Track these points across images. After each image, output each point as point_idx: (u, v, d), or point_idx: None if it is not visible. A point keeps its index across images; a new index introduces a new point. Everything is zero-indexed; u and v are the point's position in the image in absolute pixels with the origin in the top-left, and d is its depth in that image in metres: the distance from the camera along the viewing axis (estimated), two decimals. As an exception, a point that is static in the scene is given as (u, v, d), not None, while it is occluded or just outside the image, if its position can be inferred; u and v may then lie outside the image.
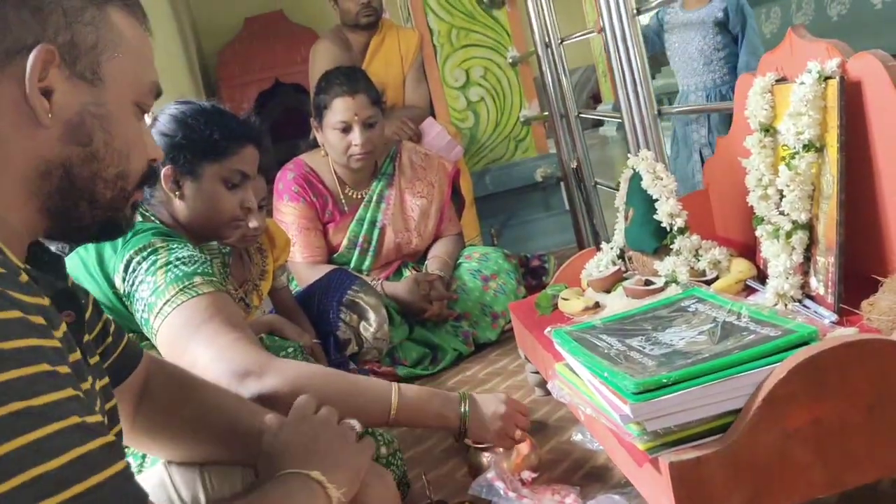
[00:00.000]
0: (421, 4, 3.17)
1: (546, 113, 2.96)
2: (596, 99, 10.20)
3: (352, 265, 2.35)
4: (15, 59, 0.68)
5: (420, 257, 2.44)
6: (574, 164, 2.60)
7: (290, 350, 1.59)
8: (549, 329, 1.25)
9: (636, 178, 1.57)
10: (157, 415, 0.99)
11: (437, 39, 3.20)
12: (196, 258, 1.26)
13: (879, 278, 1.11)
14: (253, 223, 1.52)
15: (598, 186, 2.64)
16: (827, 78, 1.21)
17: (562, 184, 3.07)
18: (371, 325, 1.98)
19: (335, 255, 2.36)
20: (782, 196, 1.28)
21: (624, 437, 1.01)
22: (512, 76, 3.27)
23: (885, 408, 0.94)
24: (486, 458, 1.35)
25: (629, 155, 1.69)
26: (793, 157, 1.25)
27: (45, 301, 0.65)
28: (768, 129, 1.37)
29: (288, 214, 2.31)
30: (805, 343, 0.97)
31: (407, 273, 2.36)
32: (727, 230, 1.69)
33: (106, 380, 0.83)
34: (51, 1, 0.70)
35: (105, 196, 0.75)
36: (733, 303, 1.17)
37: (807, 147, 1.24)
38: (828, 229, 1.23)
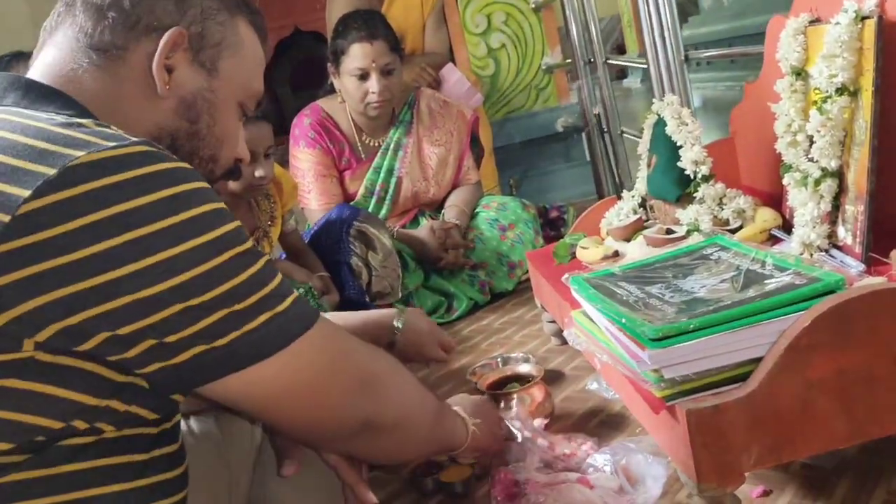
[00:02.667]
0: (443, -53, 3.09)
1: (569, 60, 2.89)
2: (620, 50, 10.01)
3: (368, 209, 2.32)
4: (151, 35, 0.79)
5: (437, 206, 2.41)
6: (596, 112, 2.54)
7: (301, 292, 1.58)
8: (566, 276, 1.23)
9: (660, 123, 1.52)
10: None
11: (458, -16, 3.13)
12: None
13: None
14: (259, 172, 1.50)
15: (624, 136, 2.59)
16: (864, 18, 1.16)
17: (584, 134, 3.02)
18: (378, 254, 1.97)
19: (352, 204, 2.33)
20: (812, 142, 1.24)
21: (641, 385, 0.99)
22: (535, 22, 3.19)
23: (911, 359, 0.91)
24: (501, 403, 1.34)
25: (654, 101, 1.64)
26: (825, 102, 1.20)
27: None
28: (800, 73, 1.32)
29: (304, 161, 2.28)
30: (831, 291, 0.94)
31: (424, 221, 2.34)
32: (753, 179, 1.65)
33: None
34: None
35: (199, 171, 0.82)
36: (757, 251, 1.14)
37: (840, 91, 1.19)
38: (858, 177, 1.19)
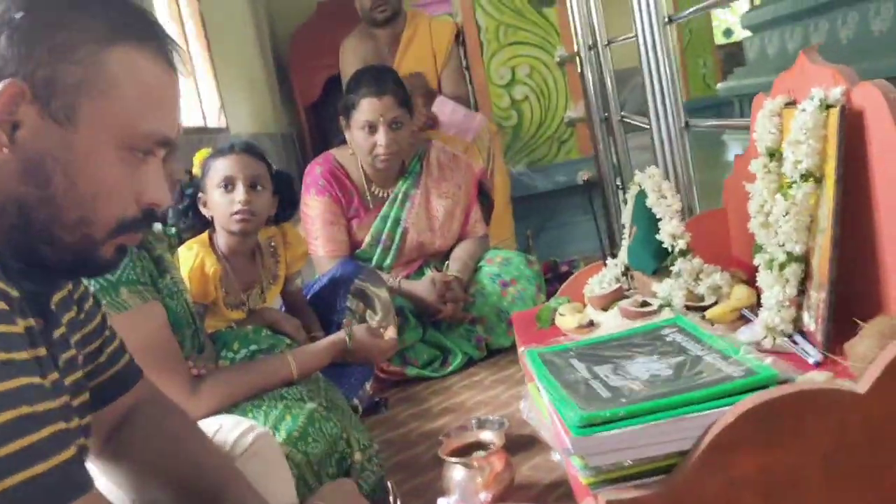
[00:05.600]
0: (470, 0, 3.15)
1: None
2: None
3: (374, 262, 2.35)
4: None
5: (443, 257, 2.43)
6: (585, 177, 2.56)
7: (286, 346, 1.61)
8: (522, 348, 1.23)
9: (642, 195, 1.53)
10: (130, 446, 0.97)
11: (483, 36, 3.17)
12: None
13: (859, 322, 1.05)
14: (238, 198, 1.59)
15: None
16: (829, 106, 1.15)
17: (600, 189, 3.02)
18: (377, 313, 1.99)
19: (358, 252, 2.37)
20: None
21: (570, 469, 0.99)
22: (559, 76, 3.22)
23: (841, 461, 0.90)
24: (459, 471, 1.34)
25: (651, 167, 1.63)
26: (790, 187, 1.20)
27: (13, 291, 0.67)
28: (773, 154, 1.31)
29: (313, 208, 2.33)
30: (763, 387, 0.93)
31: (428, 272, 2.36)
32: (742, 253, 1.63)
33: (79, 374, 0.85)
34: (40, 34, 0.70)
35: (65, 240, 0.73)
36: (711, 336, 1.14)
37: (805, 177, 1.18)
38: (821, 264, 1.18)
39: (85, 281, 1.19)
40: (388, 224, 2.36)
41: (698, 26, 8.61)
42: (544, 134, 3.26)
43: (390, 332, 1.69)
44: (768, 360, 1.01)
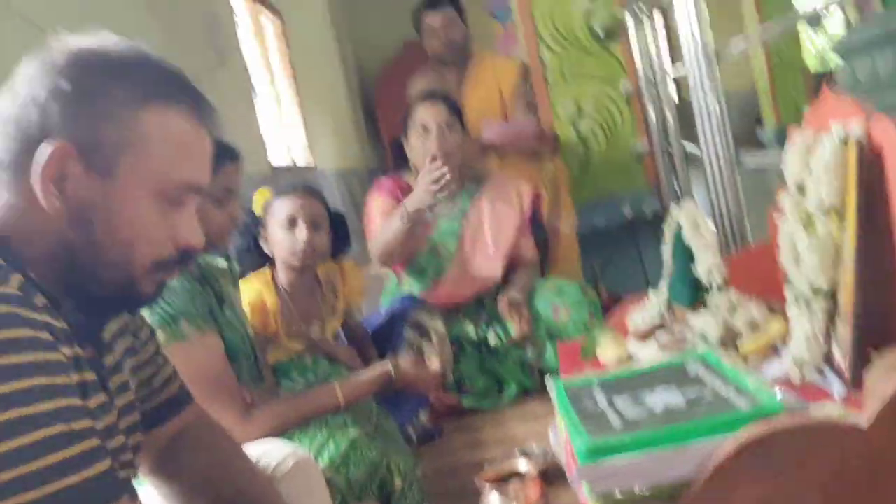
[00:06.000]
0: (534, 37, 3.22)
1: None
2: (759, 122, 9.77)
3: (428, 271, 2.47)
4: (40, 145, 0.77)
5: (493, 291, 2.49)
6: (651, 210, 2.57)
7: (342, 376, 1.70)
8: (548, 378, 1.28)
9: (679, 229, 1.55)
10: (178, 466, 1.06)
11: (548, 71, 3.23)
12: (181, 289, 1.37)
13: (873, 352, 1.06)
14: (301, 236, 1.69)
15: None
16: (849, 142, 1.17)
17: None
18: (433, 344, 2.06)
19: (413, 261, 2.49)
20: (809, 259, 1.24)
21: (581, 497, 1.03)
22: (625, 109, 3.24)
23: (841, 493, 0.91)
24: (495, 498, 1.39)
25: (687, 201, 1.66)
26: (812, 222, 1.22)
27: (59, 323, 0.77)
28: (802, 188, 1.33)
29: (376, 207, 2.49)
30: (766, 417, 0.95)
31: (488, 305, 2.43)
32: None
33: (130, 397, 0.94)
34: (85, 101, 0.79)
35: (107, 278, 0.82)
36: (732, 370, 1.16)
37: (827, 211, 1.20)
38: (846, 297, 1.19)
39: (148, 313, 1.31)
40: (445, 235, 2.49)
41: (787, 52, 8.42)
42: (611, 166, 3.28)
43: (434, 364, 1.75)
44: (778, 392, 1.02)
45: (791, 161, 1.35)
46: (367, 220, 2.54)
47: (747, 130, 10.24)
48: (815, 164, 1.20)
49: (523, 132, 2.88)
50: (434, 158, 2.32)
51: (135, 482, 0.95)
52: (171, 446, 1.07)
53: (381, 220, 2.46)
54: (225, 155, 1.52)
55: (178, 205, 0.85)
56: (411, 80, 3.14)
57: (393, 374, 1.66)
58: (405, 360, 1.73)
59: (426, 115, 2.39)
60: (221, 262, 1.61)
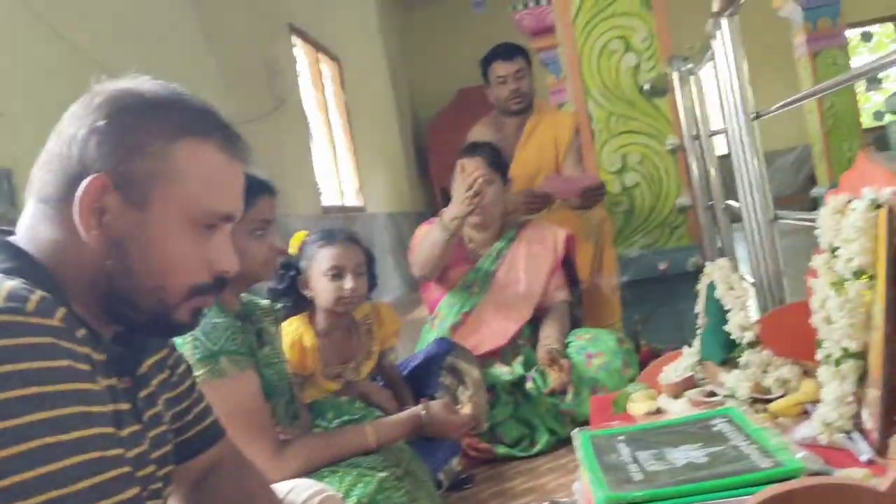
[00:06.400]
0: (582, 91, 3.27)
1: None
2: (812, 180, 9.66)
3: (458, 304, 2.58)
4: (82, 181, 0.82)
5: (529, 328, 2.53)
6: (693, 264, 2.56)
7: (376, 418, 1.73)
8: (576, 430, 1.29)
9: (712, 286, 1.56)
10: (210, 498, 1.10)
11: (595, 125, 3.27)
12: (223, 327, 1.42)
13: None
14: (347, 285, 1.73)
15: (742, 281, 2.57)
16: (879, 206, 1.18)
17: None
18: (468, 389, 2.09)
19: (448, 294, 2.61)
20: (841, 321, 1.25)
21: (598, 549, 1.04)
22: (670, 163, 3.26)
23: (860, 559, 0.91)
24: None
25: (721, 259, 1.67)
26: (843, 284, 1.22)
27: (98, 355, 0.82)
28: (835, 250, 1.33)
29: (420, 233, 2.63)
30: (788, 479, 0.96)
31: (526, 352, 2.46)
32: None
33: (163, 428, 0.99)
34: (120, 136, 0.84)
35: (143, 305, 0.86)
36: (757, 429, 1.16)
37: (857, 274, 1.20)
38: (875, 361, 1.18)
39: (190, 350, 1.36)
40: (480, 274, 2.62)
41: (843, 109, 8.36)
42: (655, 220, 3.29)
43: (466, 409, 1.77)
44: (801, 454, 1.03)
45: (824, 223, 1.36)
46: (412, 247, 2.66)
47: (802, 189, 10.15)
48: (846, 226, 1.21)
49: (585, 184, 2.92)
50: (463, 166, 2.47)
51: None
52: (203, 478, 1.10)
53: (423, 238, 2.59)
54: (261, 188, 1.57)
55: (212, 232, 0.89)
56: (472, 133, 3.21)
57: (424, 418, 1.69)
58: (437, 405, 1.75)
59: (469, 168, 2.49)
60: (264, 302, 1.67)
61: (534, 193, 2.99)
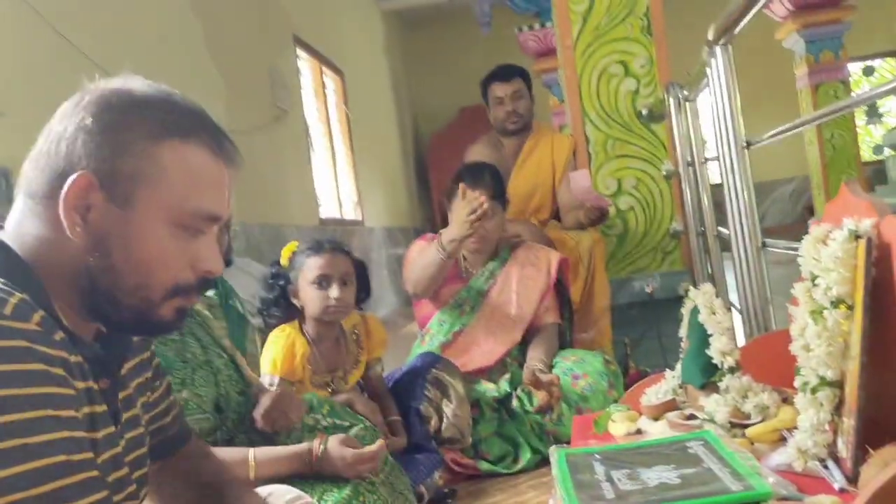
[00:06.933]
0: (580, 113, 3.30)
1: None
2: (811, 211, 9.71)
3: (449, 322, 2.58)
4: (68, 178, 0.82)
5: (517, 350, 2.53)
6: (685, 289, 2.57)
7: (360, 426, 1.72)
8: (553, 448, 1.30)
9: (696, 310, 1.58)
10: (169, 482, 1.10)
11: (592, 148, 3.30)
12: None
13: (870, 450, 1.07)
14: (333, 294, 1.74)
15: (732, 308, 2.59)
16: (858, 237, 1.20)
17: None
18: (451, 402, 2.10)
19: (440, 311, 2.61)
20: (820, 349, 1.26)
21: (568, 565, 1.05)
22: (665, 189, 3.29)
23: (824, 585, 0.92)
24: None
25: (705, 284, 1.69)
26: (821, 312, 1.24)
27: (75, 357, 0.81)
28: (815, 279, 1.35)
29: (415, 249, 2.64)
30: (755, 503, 0.97)
31: (513, 370, 2.46)
32: (801, 375, 1.64)
33: (140, 430, 0.99)
34: (105, 135, 0.84)
35: (125, 302, 0.86)
36: (731, 453, 1.17)
37: (834, 303, 1.22)
38: (851, 390, 1.20)
39: None
40: (472, 293, 2.61)
41: (842, 143, 8.42)
42: (648, 244, 3.32)
43: (373, 446, 1.56)
44: (771, 478, 1.04)
45: (806, 252, 1.37)
46: (405, 262, 2.67)
47: (800, 219, 10.19)
48: (826, 256, 1.23)
49: (593, 192, 2.95)
50: (465, 190, 2.43)
51: None
52: (173, 470, 1.11)
53: (418, 256, 2.58)
54: None
55: (197, 233, 0.89)
56: (470, 152, 3.24)
57: (316, 453, 1.49)
58: (335, 440, 1.54)
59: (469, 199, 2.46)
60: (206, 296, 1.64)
61: (599, 209, 3.00)
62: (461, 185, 2.47)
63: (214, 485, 1.09)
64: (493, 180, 2.55)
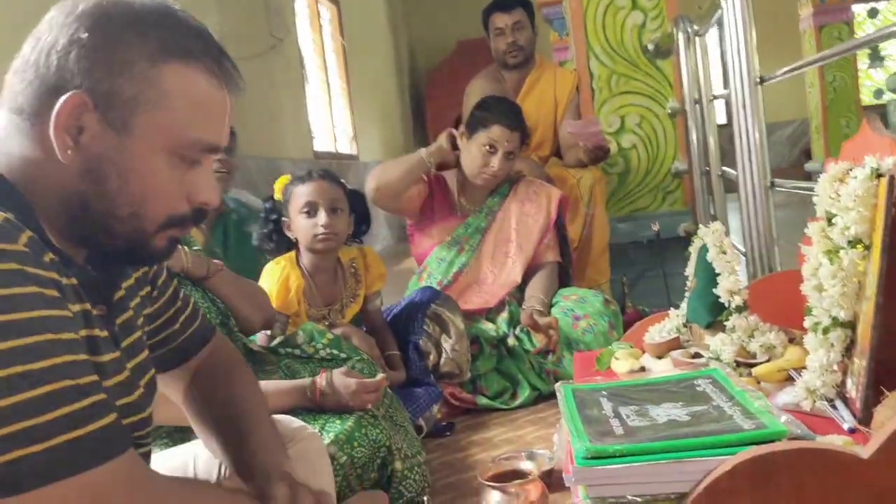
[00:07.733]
0: (585, 47, 3.22)
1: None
2: (808, 155, 9.65)
3: (447, 261, 2.53)
4: (60, 95, 0.76)
5: (516, 289, 2.52)
6: (685, 229, 2.55)
7: (357, 358, 1.71)
8: (559, 383, 1.29)
9: (704, 249, 1.55)
10: (198, 398, 1.07)
11: (595, 83, 3.24)
12: None
13: (885, 391, 1.05)
14: (321, 221, 1.70)
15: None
16: (880, 175, 1.16)
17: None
18: (451, 337, 2.09)
19: (436, 249, 2.57)
20: (834, 290, 1.24)
21: (575, 499, 1.04)
22: (669, 127, 3.23)
23: (837, 522, 0.91)
24: (496, 496, 1.40)
25: (715, 223, 1.66)
26: (837, 252, 1.21)
27: (68, 280, 0.77)
28: (832, 219, 1.32)
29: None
30: (770, 441, 0.96)
31: (512, 308, 2.45)
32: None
33: (144, 355, 0.95)
34: (102, 52, 0.78)
35: (118, 230, 0.82)
36: (740, 391, 1.16)
37: (852, 243, 1.19)
38: (864, 331, 1.18)
39: None
40: (470, 230, 2.57)
41: (844, 85, 8.33)
42: (650, 183, 3.28)
43: (375, 378, 1.57)
44: (784, 417, 1.03)
45: (822, 190, 1.34)
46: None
47: (797, 162, 10.14)
48: (845, 194, 1.19)
49: (597, 135, 2.89)
50: (455, 128, 2.49)
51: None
52: (197, 376, 1.09)
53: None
54: None
55: (195, 163, 0.85)
56: (471, 86, 3.18)
57: (320, 387, 1.50)
58: (339, 374, 1.54)
59: (499, 137, 2.45)
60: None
61: (601, 147, 2.95)
62: (493, 125, 2.44)
63: (233, 417, 1.04)
64: (524, 124, 2.52)
